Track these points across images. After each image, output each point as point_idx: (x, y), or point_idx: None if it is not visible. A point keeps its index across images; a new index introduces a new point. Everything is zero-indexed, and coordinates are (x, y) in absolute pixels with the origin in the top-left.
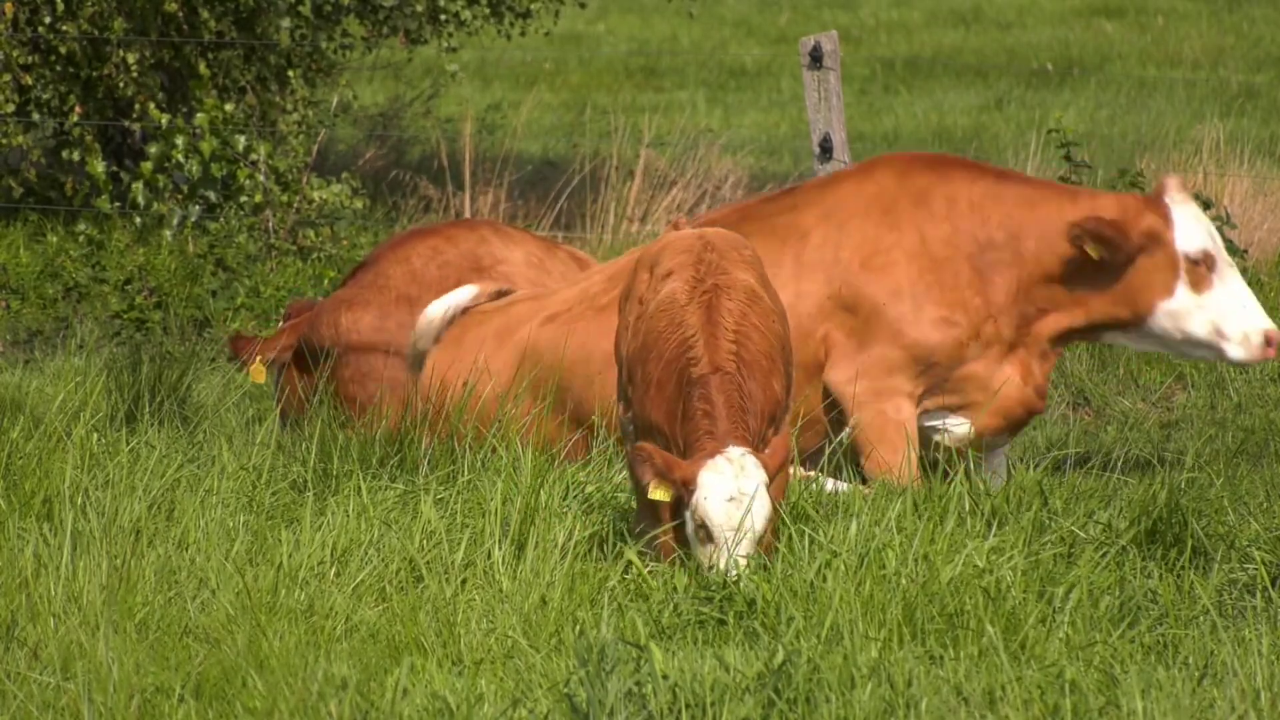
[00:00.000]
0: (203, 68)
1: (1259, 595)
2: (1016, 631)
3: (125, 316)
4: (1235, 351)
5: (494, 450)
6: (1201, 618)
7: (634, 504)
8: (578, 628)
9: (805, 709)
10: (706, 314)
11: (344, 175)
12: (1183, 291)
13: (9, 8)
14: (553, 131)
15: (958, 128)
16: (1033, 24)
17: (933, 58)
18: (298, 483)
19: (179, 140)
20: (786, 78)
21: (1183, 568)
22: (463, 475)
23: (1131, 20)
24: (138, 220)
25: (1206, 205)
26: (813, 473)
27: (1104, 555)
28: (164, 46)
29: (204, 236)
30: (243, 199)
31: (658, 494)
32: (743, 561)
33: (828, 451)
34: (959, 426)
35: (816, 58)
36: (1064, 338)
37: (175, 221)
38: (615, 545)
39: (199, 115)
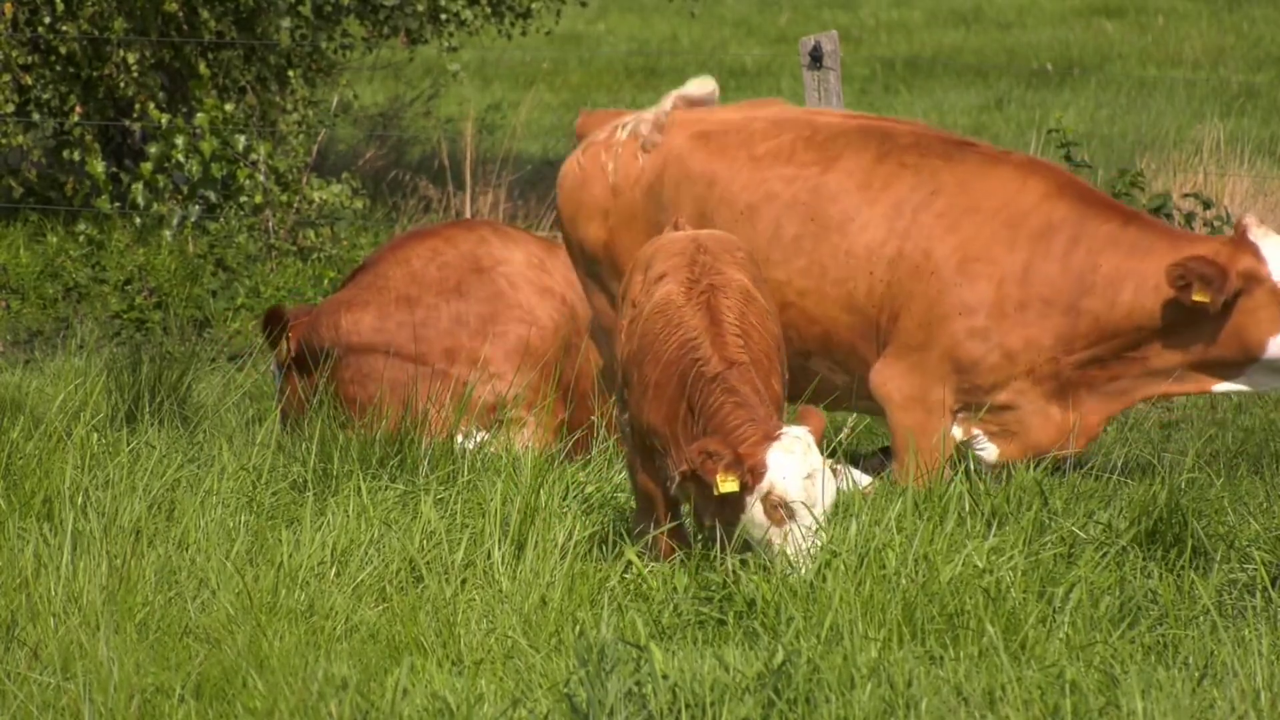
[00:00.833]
0: (203, 68)
1: (1259, 595)
2: (1016, 631)
3: (125, 316)
4: None
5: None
6: (1201, 618)
7: (634, 504)
8: (578, 628)
9: (805, 709)
10: (707, 313)
11: (344, 175)
12: None
13: (9, 8)
14: (553, 131)
15: (958, 128)
16: (1033, 24)
17: (933, 58)
18: (298, 483)
19: (179, 140)
20: (787, 78)
21: (1183, 568)
22: (463, 475)
23: (1131, 20)
24: (138, 220)
25: (1207, 205)
26: (839, 465)
27: (1104, 555)
28: (164, 46)
29: (204, 237)
30: (243, 199)
31: (727, 485)
32: (824, 536)
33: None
34: (985, 451)
35: (817, 58)
36: (1147, 383)
37: (175, 222)
38: (615, 545)
39: (199, 115)
